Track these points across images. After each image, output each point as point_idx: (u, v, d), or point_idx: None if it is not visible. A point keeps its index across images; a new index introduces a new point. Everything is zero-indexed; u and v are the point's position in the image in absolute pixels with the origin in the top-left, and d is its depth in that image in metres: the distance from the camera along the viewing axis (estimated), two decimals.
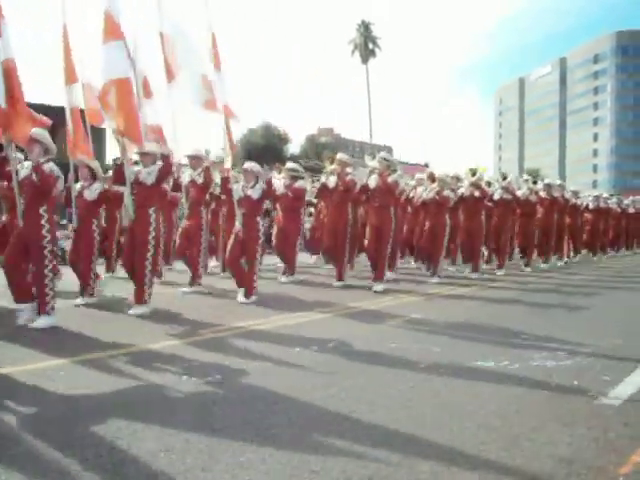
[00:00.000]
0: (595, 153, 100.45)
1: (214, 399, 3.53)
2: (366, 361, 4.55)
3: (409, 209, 11.50)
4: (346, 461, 2.66)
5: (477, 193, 10.98)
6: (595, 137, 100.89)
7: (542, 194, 13.00)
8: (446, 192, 10.20)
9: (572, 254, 15.32)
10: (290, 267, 9.76)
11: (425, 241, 10.51)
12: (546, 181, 13.99)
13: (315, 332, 5.59)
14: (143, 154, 6.75)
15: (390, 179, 8.76)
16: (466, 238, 11.26)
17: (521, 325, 6.09)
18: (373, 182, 8.89)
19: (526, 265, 12.40)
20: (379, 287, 8.56)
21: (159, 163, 6.60)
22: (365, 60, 60.42)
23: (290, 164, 10.62)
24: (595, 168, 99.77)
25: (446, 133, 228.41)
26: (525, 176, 15.52)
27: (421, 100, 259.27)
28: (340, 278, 9.32)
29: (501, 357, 4.64)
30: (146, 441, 2.86)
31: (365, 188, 9.21)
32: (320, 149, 52.40)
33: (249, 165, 7.91)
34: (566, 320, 6.50)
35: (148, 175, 6.60)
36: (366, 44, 60.21)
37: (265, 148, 43.49)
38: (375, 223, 8.82)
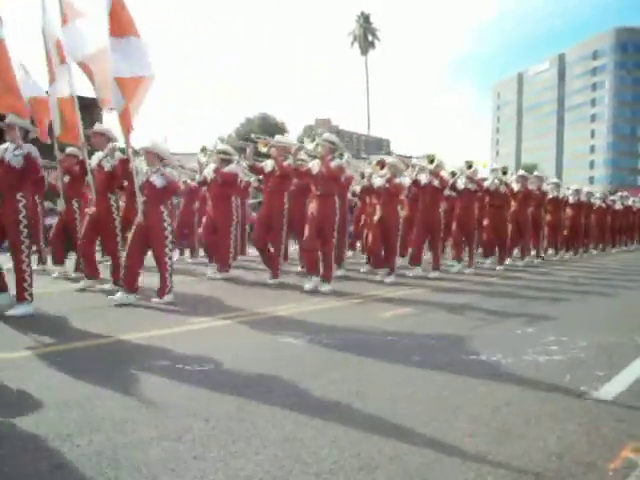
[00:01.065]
0: (592, 149, 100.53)
1: (206, 389, 3.53)
2: (357, 353, 4.55)
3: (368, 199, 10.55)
4: (338, 452, 2.67)
5: (436, 182, 9.91)
6: (592, 133, 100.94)
7: (515, 186, 12.24)
8: (398, 180, 8.95)
9: (552, 251, 14.82)
10: (222, 262, 8.59)
11: (374, 235, 9.28)
12: (520, 172, 13.15)
13: (305, 323, 5.60)
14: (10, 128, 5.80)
15: (333, 164, 7.78)
16: (423, 232, 10.12)
17: (513, 320, 6.11)
18: (315, 167, 7.94)
19: (500, 263, 11.65)
20: (325, 288, 7.79)
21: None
22: (364, 52, 60.29)
23: (220, 145, 9.23)
24: (592, 164, 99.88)
25: (443, 126, 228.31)
26: (495, 165, 14.21)
27: (418, 93, 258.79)
28: (275, 275, 8.42)
29: (494, 351, 4.66)
30: (139, 430, 2.87)
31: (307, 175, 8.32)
32: None
33: (151, 144, 6.74)
34: (559, 315, 6.51)
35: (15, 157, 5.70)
36: (365, 36, 60.07)
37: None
38: (317, 214, 7.82)
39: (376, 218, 9.10)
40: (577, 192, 15.73)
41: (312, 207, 7.99)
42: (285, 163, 8.37)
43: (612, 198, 18.99)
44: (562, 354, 4.66)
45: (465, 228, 10.90)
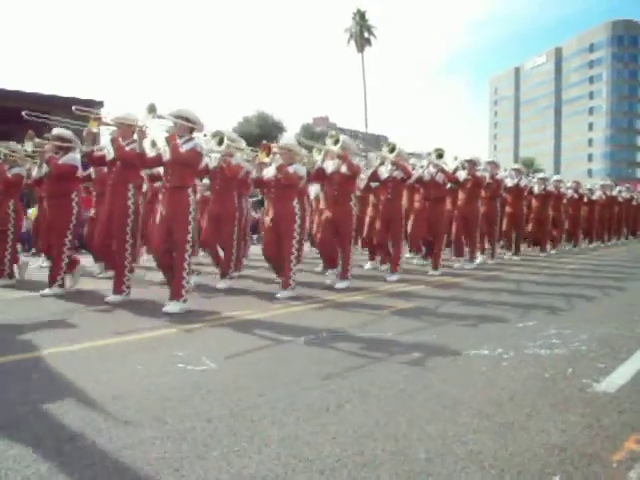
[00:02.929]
0: (590, 142, 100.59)
1: (207, 389, 3.53)
2: (358, 351, 4.55)
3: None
4: (341, 449, 2.67)
5: (397, 173, 8.90)
6: (590, 126, 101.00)
7: (462, 173, 10.56)
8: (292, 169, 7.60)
9: (513, 249, 13.08)
10: (55, 273, 7.17)
11: (323, 233, 8.38)
12: (468, 157, 10.84)
13: (306, 322, 5.60)
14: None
15: (291, 169, 7.18)
16: (384, 228, 9.15)
17: (514, 314, 6.12)
18: (270, 173, 7.50)
19: (434, 269, 9.76)
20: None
21: None
22: (361, 49, 60.17)
23: (56, 130, 7.50)
24: (590, 157, 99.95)
25: (441, 122, 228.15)
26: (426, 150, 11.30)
27: (415, 89, 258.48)
28: (224, 273, 7.97)
29: (495, 345, 4.66)
30: (141, 431, 2.87)
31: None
32: (315, 138, 52.27)
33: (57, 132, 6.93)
34: (560, 308, 6.52)
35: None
36: (362, 33, 59.94)
37: (260, 137, 43.22)
38: (275, 218, 7.26)
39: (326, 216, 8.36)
40: (543, 181, 14.34)
41: (269, 211, 7.72)
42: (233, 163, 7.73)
43: (589, 187, 17.77)
44: (564, 347, 4.66)
45: (391, 221, 9.09)
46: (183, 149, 6.09)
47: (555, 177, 15.96)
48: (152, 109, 5.92)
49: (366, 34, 60.37)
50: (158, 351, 4.44)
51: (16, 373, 3.82)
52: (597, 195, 17.47)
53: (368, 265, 10.84)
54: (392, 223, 8.96)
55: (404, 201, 10.13)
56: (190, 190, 6.16)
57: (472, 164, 10.62)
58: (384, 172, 9.04)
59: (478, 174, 10.67)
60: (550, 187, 14.42)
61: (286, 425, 2.96)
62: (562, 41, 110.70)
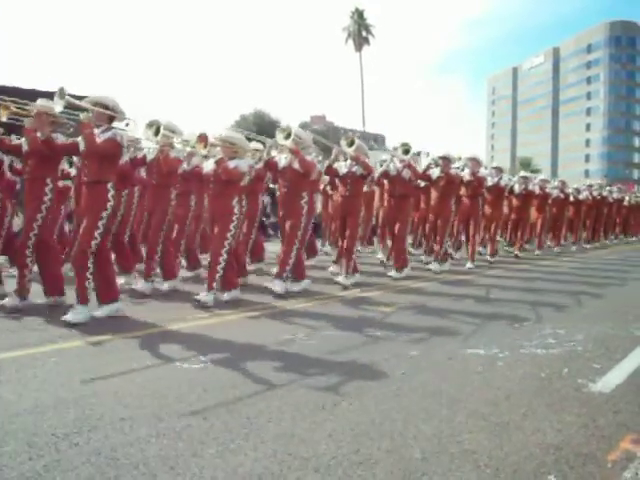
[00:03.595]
0: (588, 143, 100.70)
1: (203, 386, 3.53)
2: (355, 348, 4.56)
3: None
4: (336, 447, 2.67)
5: (356, 169, 8.02)
6: (588, 127, 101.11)
7: (436, 171, 9.91)
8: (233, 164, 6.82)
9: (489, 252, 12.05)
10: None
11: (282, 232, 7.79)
12: (442, 153, 10.10)
13: (303, 320, 5.60)
14: None
15: (232, 164, 6.39)
16: (342, 225, 8.33)
17: (510, 314, 6.12)
18: (343, 168, 7.96)
19: (396, 270, 8.93)
20: (345, 280, 7.77)
21: None
22: (359, 48, 60.10)
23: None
24: (587, 158, 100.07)
25: (438, 121, 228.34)
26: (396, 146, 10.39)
27: (413, 88, 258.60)
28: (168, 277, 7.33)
29: (491, 345, 4.67)
30: (138, 427, 2.86)
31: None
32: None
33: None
34: (555, 308, 6.53)
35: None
36: (360, 32, 59.87)
37: (257, 135, 43.18)
38: (213, 213, 6.59)
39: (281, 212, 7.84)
40: (524, 180, 13.40)
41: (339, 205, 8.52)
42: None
43: (575, 187, 16.90)
44: (559, 347, 4.67)
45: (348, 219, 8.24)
46: (100, 139, 5.42)
47: (541, 176, 15.40)
48: (62, 94, 5.24)
49: (364, 33, 60.29)
50: (154, 349, 4.44)
51: (12, 370, 3.81)
52: (584, 195, 16.58)
53: (331, 268, 9.46)
54: (349, 220, 8.04)
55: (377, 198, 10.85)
56: (110, 185, 5.42)
57: (446, 161, 9.82)
58: (342, 167, 8.17)
59: (452, 172, 9.82)
60: (531, 186, 13.52)
61: (282, 423, 2.97)
62: (560, 41, 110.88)
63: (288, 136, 7.09)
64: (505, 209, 13.40)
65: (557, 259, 13.20)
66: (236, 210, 6.39)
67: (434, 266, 9.81)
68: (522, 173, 15.07)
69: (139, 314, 5.70)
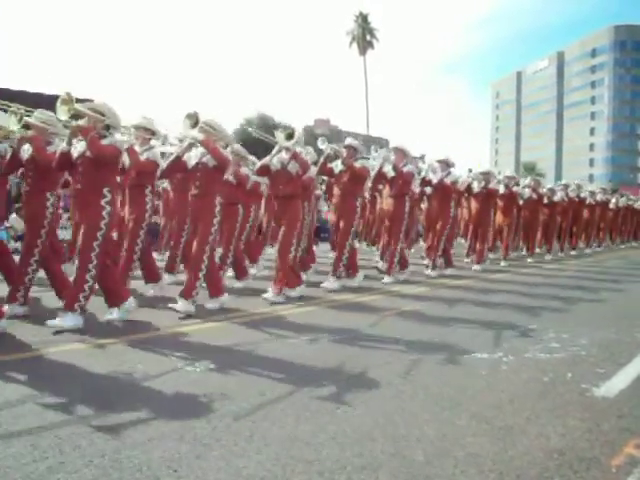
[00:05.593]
0: (592, 147, 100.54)
1: (206, 389, 3.53)
2: (358, 352, 4.56)
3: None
4: (340, 451, 2.67)
5: (292, 166, 7.15)
6: (592, 131, 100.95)
7: (388, 170, 8.86)
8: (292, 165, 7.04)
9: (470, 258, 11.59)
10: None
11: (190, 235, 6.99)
12: (396, 144, 9.22)
13: (307, 322, 5.60)
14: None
15: (358, 165, 7.59)
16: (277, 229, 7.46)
17: (514, 318, 6.12)
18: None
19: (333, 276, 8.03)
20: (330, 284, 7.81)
21: None
22: (363, 52, 60.23)
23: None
24: (592, 162, 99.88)
25: (443, 125, 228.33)
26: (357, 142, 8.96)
27: (417, 92, 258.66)
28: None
29: (495, 349, 4.66)
30: (141, 429, 2.87)
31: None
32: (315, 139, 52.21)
33: None
34: (559, 313, 6.52)
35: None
36: (364, 35, 60.01)
37: (261, 139, 43.26)
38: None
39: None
40: (486, 177, 11.52)
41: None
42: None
43: (549, 187, 15.03)
44: (563, 351, 4.66)
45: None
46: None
47: (507, 173, 13.58)
48: (66, 101, 5.05)
49: (368, 37, 60.44)
50: (157, 351, 4.44)
51: (16, 372, 3.82)
52: (559, 197, 14.55)
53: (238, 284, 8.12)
54: (287, 223, 7.08)
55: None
56: (107, 190, 5.24)
57: (351, 150, 8.16)
58: (275, 163, 7.10)
59: (357, 166, 8.00)
60: (494, 185, 11.53)
61: (285, 426, 2.97)
62: (564, 45, 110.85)
63: (195, 124, 6.06)
64: (465, 212, 13.10)
65: (543, 266, 13.16)
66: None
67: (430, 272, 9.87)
68: (508, 173, 13.55)
69: (143, 317, 5.71)
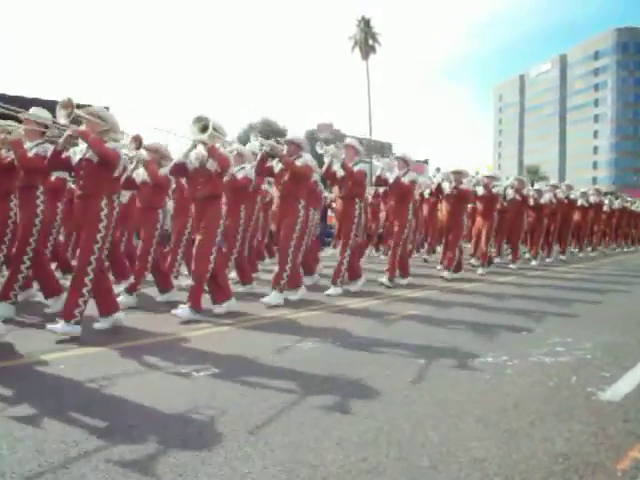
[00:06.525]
0: (595, 150, 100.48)
1: (211, 393, 3.53)
2: (363, 356, 4.55)
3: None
4: (344, 456, 2.67)
5: (210, 164, 6.24)
6: (595, 134, 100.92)
7: (337, 169, 8.08)
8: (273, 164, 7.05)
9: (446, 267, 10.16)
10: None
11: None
12: (348, 140, 8.77)
13: (312, 327, 5.60)
14: None
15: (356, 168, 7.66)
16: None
17: (519, 321, 6.11)
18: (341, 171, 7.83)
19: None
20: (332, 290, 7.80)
21: None
22: (365, 56, 60.25)
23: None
24: (595, 165, 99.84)
25: (446, 129, 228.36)
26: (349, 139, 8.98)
27: (420, 96, 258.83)
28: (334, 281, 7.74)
29: (500, 353, 4.65)
30: (146, 435, 2.87)
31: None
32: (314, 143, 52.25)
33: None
34: (563, 316, 6.51)
35: None
36: (366, 40, 60.04)
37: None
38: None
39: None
40: (457, 176, 10.29)
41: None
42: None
43: (536, 188, 14.00)
44: (568, 355, 4.65)
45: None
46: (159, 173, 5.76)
47: (486, 172, 12.53)
48: (66, 105, 5.08)
49: (370, 41, 60.45)
50: (161, 356, 4.45)
51: (18, 378, 3.83)
52: (546, 198, 13.58)
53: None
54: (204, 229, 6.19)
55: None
56: (105, 196, 5.13)
57: (292, 147, 7.33)
58: (193, 161, 6.27)
59: (298, 164, 7.13)
60: (465, 185, 10.27)
61: (290, 431, 2.96)
62: (567, 48, 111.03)
63: (70, 114, 5.15)
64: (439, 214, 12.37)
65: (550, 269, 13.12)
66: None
67: (446, 274, 9.90)
68: (488, 172, 12.22)
69: (145, 323, 5.73)
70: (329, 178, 8.39)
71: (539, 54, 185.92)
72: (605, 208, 17.50)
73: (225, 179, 6.65)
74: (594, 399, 3.58)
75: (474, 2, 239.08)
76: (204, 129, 5.87)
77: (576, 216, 15.56)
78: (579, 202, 15.61)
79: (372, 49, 60.68)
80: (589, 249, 17.16)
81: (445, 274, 9.94)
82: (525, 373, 4.12)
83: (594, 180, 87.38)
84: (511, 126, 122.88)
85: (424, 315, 6.44)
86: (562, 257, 14.94)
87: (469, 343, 5.06)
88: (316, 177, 8.57)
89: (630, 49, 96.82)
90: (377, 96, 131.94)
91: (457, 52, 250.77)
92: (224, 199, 6.73)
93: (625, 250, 19.87)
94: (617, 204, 18.81)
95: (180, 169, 6.27)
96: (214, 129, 5.89)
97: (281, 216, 7.29)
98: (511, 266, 12.29)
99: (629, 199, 21.48)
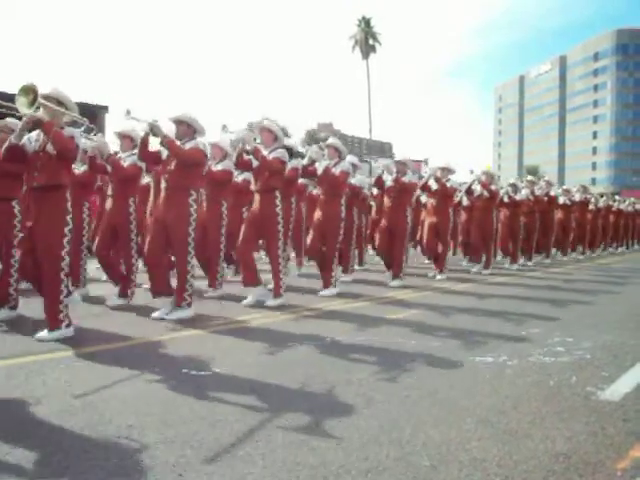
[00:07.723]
0: (594, 151, 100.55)
1: (211, 393, 3.53)
2: (363, 357, 4.55)
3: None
4: (345, 456, 2.67)
5: (131, 160, 6.64)
6: (594, 135, 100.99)
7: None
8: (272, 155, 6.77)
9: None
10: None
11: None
12: (264, 123, 7.17)
13: (311, 327, 5.60)
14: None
15: (338, 170, 7.79)
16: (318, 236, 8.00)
17: (518, 321, 6.11)
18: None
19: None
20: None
21: None
22: (365, 56, 60.32)
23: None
24: (594, 166, 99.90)
25: (445, 129, 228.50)
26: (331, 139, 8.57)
27: (420, 96, 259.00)
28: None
29: (499, 353, 4.65)
30: (146, 435, 2.87)
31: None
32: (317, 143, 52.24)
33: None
34: (563, 316, 6.51)
35: None
36: (367, 40, 60.12)
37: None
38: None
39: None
40: (401, 166, 9.03)
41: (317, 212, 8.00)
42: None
43: (513, 182, 12.85)
44: (568, 355, 4.66)
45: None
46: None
47: (439, 164, 10.85)
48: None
49: (371, 41, 60.55)
50: (161, 356, 4.45)
51: (21, 376, 3.83)
52: (523, 195, 12.60)
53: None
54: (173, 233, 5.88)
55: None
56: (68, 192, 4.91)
57: (183, 126, 6.13)
58: (34, 143, 5.02)
59: (188, 149, 5.92)
60: (410, 178, 9.09)
61: (290, 430, 2.96)
62: (567, 49, 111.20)
63: (33, 103, 4.61)
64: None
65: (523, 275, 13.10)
66: (71, 217, 4.91)
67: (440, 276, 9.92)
68: (442, 164, 10.71)
69: (145, 322, 5.72)
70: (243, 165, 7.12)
71: (539, 55, 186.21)
72: (590, 206, 16.59)
73: (204, 172, 6.66)
74: (594, 399, 3.58)
75: (474, 3, 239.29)
76: (34, 102, 4.64)
77: (559, 214, 14.79)
78: (561, 200, 14.77)
79: (372, 49, 60.78)
80: (579, 251, 16.45)
81: (439, 277, 10.04)
82: (525, 373, 4.13)
83: (593, 181, 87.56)
84: (511, 126, 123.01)
85: (423, 316, 6.44)
86: (547, 261, 14.15)
87: (468, 343, 5.06)
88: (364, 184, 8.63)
89: (630, 50, 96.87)
90: (377, 95, 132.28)
91: (457, 52, 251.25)
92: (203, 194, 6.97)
93: (618, 251, 19.46)
94: (602, 202, 17.87)
95: (17, 152, 4.96)
96: (56, 100, 4.93)
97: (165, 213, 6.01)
98: (483, 272, 11.14)
99: (617, 198, 20.69)
